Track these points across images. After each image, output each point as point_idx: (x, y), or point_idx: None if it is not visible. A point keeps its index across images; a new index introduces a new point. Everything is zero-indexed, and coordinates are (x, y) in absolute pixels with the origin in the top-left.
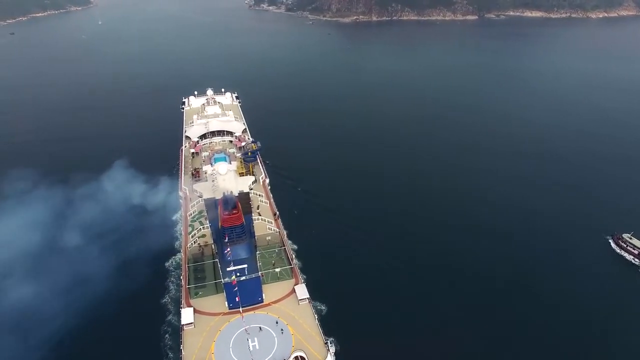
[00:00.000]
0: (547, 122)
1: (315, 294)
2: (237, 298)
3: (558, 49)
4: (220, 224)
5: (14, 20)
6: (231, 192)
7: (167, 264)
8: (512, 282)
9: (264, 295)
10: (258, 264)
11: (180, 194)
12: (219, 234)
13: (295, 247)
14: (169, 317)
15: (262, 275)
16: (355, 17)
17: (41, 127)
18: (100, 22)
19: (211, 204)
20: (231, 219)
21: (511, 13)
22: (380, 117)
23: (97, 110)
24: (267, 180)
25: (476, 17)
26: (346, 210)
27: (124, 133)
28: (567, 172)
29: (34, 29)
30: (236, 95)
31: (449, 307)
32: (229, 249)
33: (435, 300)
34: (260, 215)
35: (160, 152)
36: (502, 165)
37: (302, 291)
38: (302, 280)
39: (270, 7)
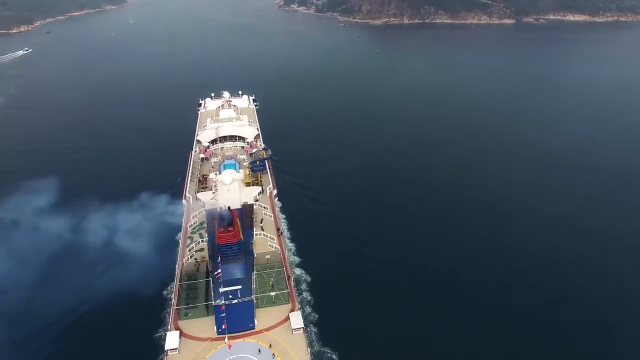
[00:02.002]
0: (591, 134)
1: (313, 324)
2: (224, 325)
3: (604, 55)
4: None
5: (52, 19)
6: (228, 207)
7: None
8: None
9: (256, 320)
10: (253, 286)
11: (184, 202)
12: (215, 251)
13: (300, 270)
14: (157, 338)
15: (257, 299)
16: (386, 19)
17: (60, 126)
18: (131, 21)
19: (211, 216)
20: (226, 236)
21: (552, 17)
22: (408, 125)
23: (114, 108)
24: (275, 192)
25: (513, 21)
26: (365, 229)
27: (138, 136)
28: (616, 188)
29: (69, 28)
30: (253, 98)
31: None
32: (219, 271)
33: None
34: (262, 231)
35: (175, 155)
36: (538, 175)
37: (297, 319)
38: (299, 307)
39: (300, 8)
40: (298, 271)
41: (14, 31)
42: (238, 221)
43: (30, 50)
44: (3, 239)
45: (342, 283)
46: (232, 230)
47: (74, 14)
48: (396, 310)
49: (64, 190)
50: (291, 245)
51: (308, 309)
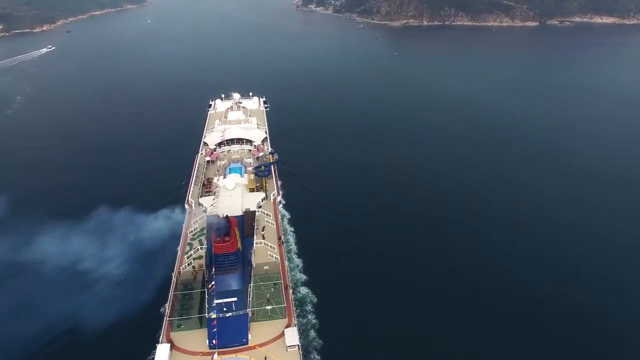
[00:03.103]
0: (618, 144)
1: (317, 350)
2: (214, 340)
3: (634, 60)
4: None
5: (74, 19)
6: (226, 216)
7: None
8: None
9: (250, 335)
10: (249, 298)
11: (186, 206)
12: (211, 260)
13: (306, 290)
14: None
15: (253, 314)
16: (405, 20)
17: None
18: (149, 21)
19: (211, 224)
20: (222, 246)
21: (577, 19)
22: (423, 134)
23: (125, 107)
24: (279, 198)
25: (537, 23)
26: (385, 247)
27: (147, 136)
28: None
29: (89, 27)
30: (264, 100)
31: None
32: (213, 283)
33: None
34: (264, 239)
35: (183, 157)
36: (563, 187)
37: (292, 336)
38: (295, 322)
39: (318, 8)
40: (303, 290)
41: (37, 30)
42: (236, 230)
43: (53, 48)
44: None
45: (352, 310)
46: (228, 241)
47: (95, 13)
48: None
49: (65, 189)
50: (298, 261)
51: (312, 334)
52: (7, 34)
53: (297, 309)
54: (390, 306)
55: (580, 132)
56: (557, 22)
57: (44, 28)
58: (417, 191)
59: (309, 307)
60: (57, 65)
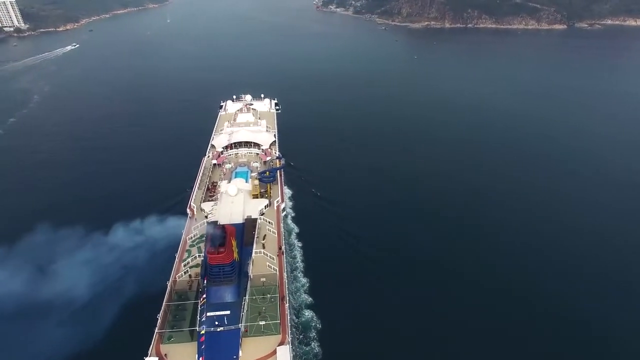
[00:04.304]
0: None
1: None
2: (201, 358)
3: None
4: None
5: (97, 17)
6: (222, 226)
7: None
8: None
9: (241, 352)
10: (242, 312)
11: (188, 211)
12: (206, 270)
13: (310, 313)
14: None
15: (246, 330)
16: (426, 22)
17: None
18: (168, 20)
19: (207, 232)
20: (217, 258)
21: (609, 22)
22: (439, 144)
23: (135, 106)
24: (283, 205)
25: (565, 26)
26: (394, 262)
27: (158, 135)
28: None
29: (111, 26)
30: (276, 102)
31: None
32: (204, 297)
33: None
34: (263, 249)
35: (191, 159)
36: (594, 195)
37: (284, 355)
38: (289, 340)
39: (338, 9)
40: (307, 314)
41: (61, 29)
42: (233, 241)
43: (77, 45)
44: None
45: (363, 341)
46: (223, 252)
47: (118, 12)
48: None
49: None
50: (304, 281)
51: None
52: (33, 33)
53: (299, 335)
54: (408, 343)
55: (614, 141)
56: (586, 25)
57: (68, 27)
58: (444, 203)
59: (313, 334)
60: (76, 65)
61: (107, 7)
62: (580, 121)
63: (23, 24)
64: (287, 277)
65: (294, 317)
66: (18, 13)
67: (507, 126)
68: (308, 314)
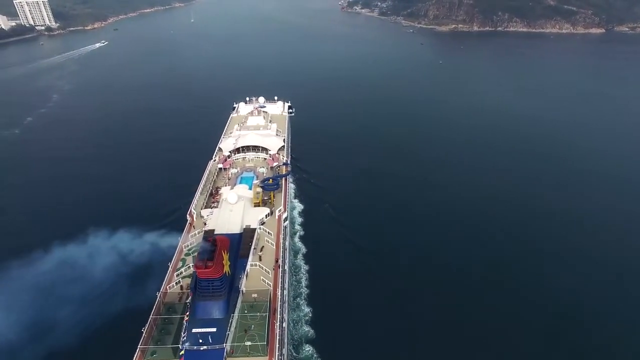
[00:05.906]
0: None
1: None
2: None
3: None
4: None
5: (125, 16)
6: (212, 238)
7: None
8: None
9: None
10: (228, 331)
11: (188, 217)
12: (196, 283)
13: (309, 348)
14: None
15: (232, 351)
16: (453, 25)
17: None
18: (192, 20)
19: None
20: (205, 272)
21: None
22: (464, 157)
23: (151, 105)
24: (285, 215)
25: (602, 30)
26: (416, 290)
27: (170, 134)
28: None
29: (136, 25)
30: (289, 104)
31: None
32: (187, 314)
33: None
34: (259, 261)
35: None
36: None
37: None
38: None
39: (363, 10)
40: (307, 349)
41: (89, 28)
42: (224, 254)
43: (106, 42)
44: None
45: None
46: (211, 266)
47: (145, 11)
48: None
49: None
50: (307, 310)
51: None
52: (62, 32)
53: None
54: None
55: None
56: (627, 29)
57: (96, 25)
58: (485, 227)
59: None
60: (97, 64)
61: (135, 6)
62: (618, 135)
63: (54, 23)
64: (287, 297)
65: (292, 351)
66: (50, 12)
67: (542, 134)
68: (308, 349)
